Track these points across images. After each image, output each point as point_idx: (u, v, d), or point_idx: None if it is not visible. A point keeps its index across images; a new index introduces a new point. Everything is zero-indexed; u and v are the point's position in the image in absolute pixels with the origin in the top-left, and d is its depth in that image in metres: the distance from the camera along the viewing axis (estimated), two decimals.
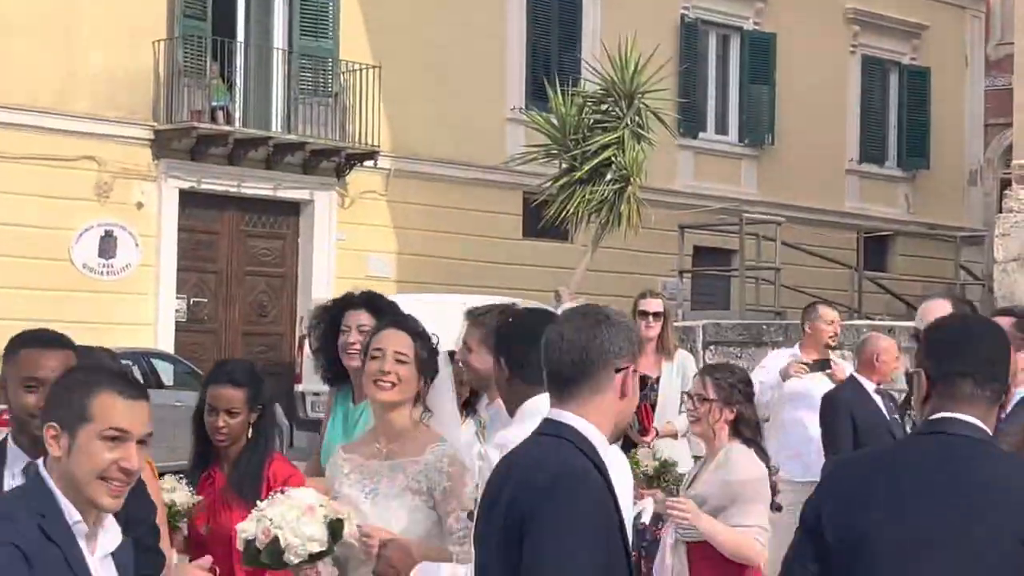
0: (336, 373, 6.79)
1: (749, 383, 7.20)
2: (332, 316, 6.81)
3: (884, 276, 28.71)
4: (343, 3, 26.17)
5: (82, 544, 3.68)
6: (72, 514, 3.65)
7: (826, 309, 11.41)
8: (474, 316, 6.54)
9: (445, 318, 8.87)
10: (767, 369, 11.05)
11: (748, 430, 7.12)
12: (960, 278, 27.52)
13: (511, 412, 5.09)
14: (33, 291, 22.36)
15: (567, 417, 3.94)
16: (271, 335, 25.88)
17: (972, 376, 3.82)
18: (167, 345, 23.70)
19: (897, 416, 9.50)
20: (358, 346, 6.44)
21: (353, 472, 5.48)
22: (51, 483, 3.67)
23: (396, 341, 5.45)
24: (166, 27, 24.29)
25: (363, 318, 6.58)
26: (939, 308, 7.00)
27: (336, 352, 6.68)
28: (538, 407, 4.83)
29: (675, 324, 17.48)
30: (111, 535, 3.78)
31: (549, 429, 3.95)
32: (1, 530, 3.57)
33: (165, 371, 21.42)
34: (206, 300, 25.28)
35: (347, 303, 6.82)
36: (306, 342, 21.22)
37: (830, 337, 11.08)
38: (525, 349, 5.04)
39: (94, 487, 3.68)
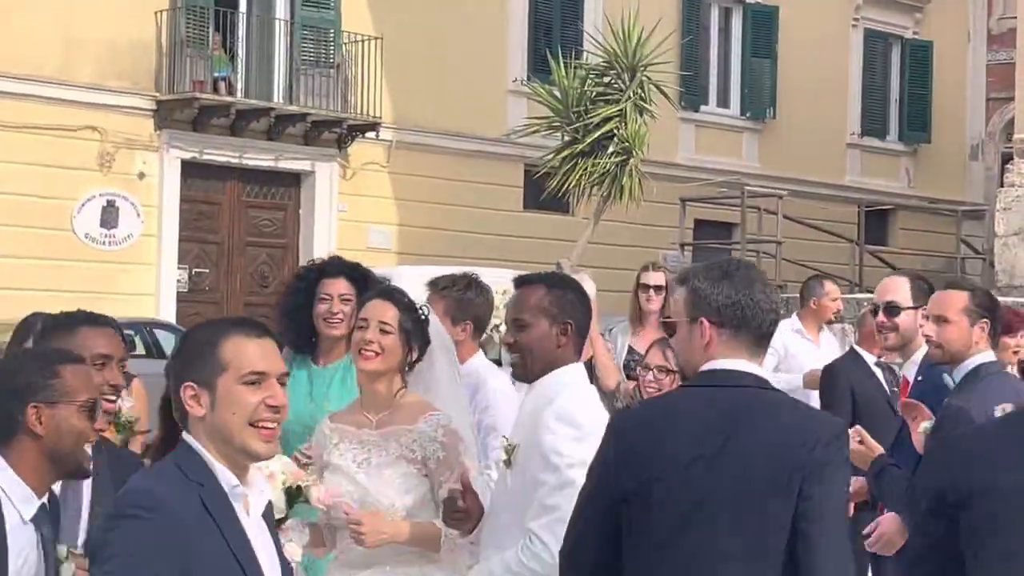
0: (306, 340, 6.75)
1: None
2: (308, 284, 6.78)
3: (885, 250, 28.80)
4: None
5: (238, 508, 3.67)
6: (229, 479, 3.64)
7: (832, 285, 11.42)
8: (437, 288, 6.79)
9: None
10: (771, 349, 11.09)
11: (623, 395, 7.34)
12: (961, 252, 27.61)
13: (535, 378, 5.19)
14: (35, 260, 22.50)
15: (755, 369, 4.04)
16: (273, 305, 25.78)
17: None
18: (169, 315, 23.75)
19: (897, 389, 9.54)
20: (341, 316, 6.56)
21: (342, 442, 5.51)
22: (200, 448, 3.65)
23: (381, 311, 5.48)
24: None
25: (342, 287, 6.61)
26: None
27: (309, 319, 6.66)
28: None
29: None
30: (263, 495, 3.79)
31: (753, 382, 4.02)
32: (164, 507, 3.54)
33: (167, 341, 21.49)
34: (208, 270, 25.37)
35: (324, 271, 6.80)
36: None
37: (834, 313, 11.13)
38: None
39: (246, 435, 3.65)
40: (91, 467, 4.28)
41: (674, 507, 3.86)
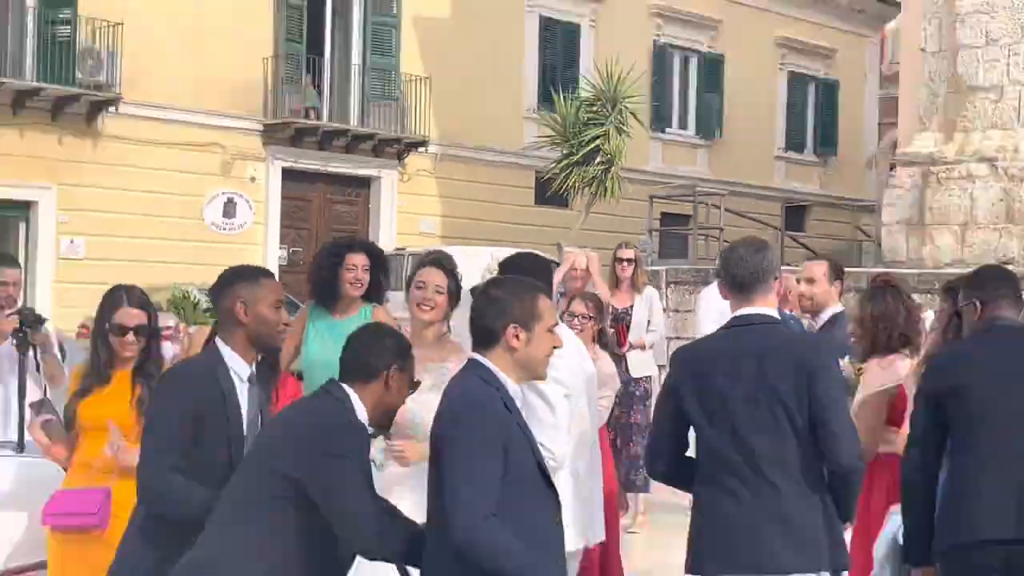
0: (329, 297, 6.37)
1: (603, 307, 7.59)
2: (335, 253, 6.45)
3: (801, 235, 28.64)
4: (403, 30, 26.10)
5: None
6: (514, 388, 3.85)
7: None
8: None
9: (476, 263, 9.01)
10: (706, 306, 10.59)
11: (606, 340, 7.57)
12: (858, 237, 27.51)
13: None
14: (175, 241, 22.56)
15: (759, 310, 4.21)
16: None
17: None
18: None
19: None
20: (361, 283, 6.33)
21: None
22: (492, 365, 3.84)
23: (436, 277, 5.43)
24: (272, 47, 24.33)
25: (361, 260, 6.37)
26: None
27: (335, 280, 6.33)
28: None
29: (646, 269, 17.71)
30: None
31: (756, 319, 4.20)
32: (492, 407, 3.73)
33: None
34: (301, 249, 25.24)
35: (351, 247, 6.48)
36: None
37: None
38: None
39: (542, 365, 3.90)
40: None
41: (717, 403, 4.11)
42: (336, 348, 5.71)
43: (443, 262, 5.59)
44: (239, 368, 4.22)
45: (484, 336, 3.92)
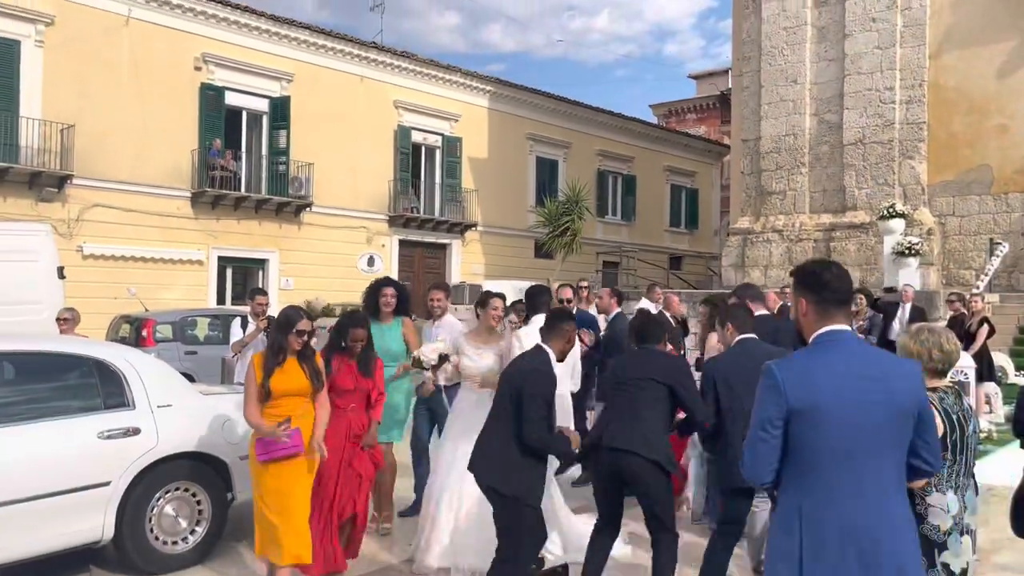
0: (375, 311, 5.67)
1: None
2: (375, 288, 5.74)
3: (679, 273, 28.49)
4: (463, 164, 25.28)
5: None
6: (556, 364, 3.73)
7: (656, 291, 9.32)
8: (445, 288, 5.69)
9: (507, 290, 8.79)
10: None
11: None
12: (708, 273, 27.16)
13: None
14: (343, 279, 22.01)
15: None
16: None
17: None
18: None
19: None
20: (390, 307, 5.60)
21: (468, 346, 4.97)
22: (550, 351, 3.66)
23: (499, 303, 5.05)
24: (392, 174, 23.68)
25: (390, 291, 5.68)
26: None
27: (376, 303, 5.64)
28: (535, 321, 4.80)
29: (595, 291, 17.70)
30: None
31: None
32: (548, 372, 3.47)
33: None
34: (409, 282, 24.73)
35: (382, 284, 5.73)
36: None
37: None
38: (535, 300, 5.01)
39: (564, 354, 3.72)
40: None
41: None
42: (382, 341, 5.46)
43: (497, 296, 5.19)
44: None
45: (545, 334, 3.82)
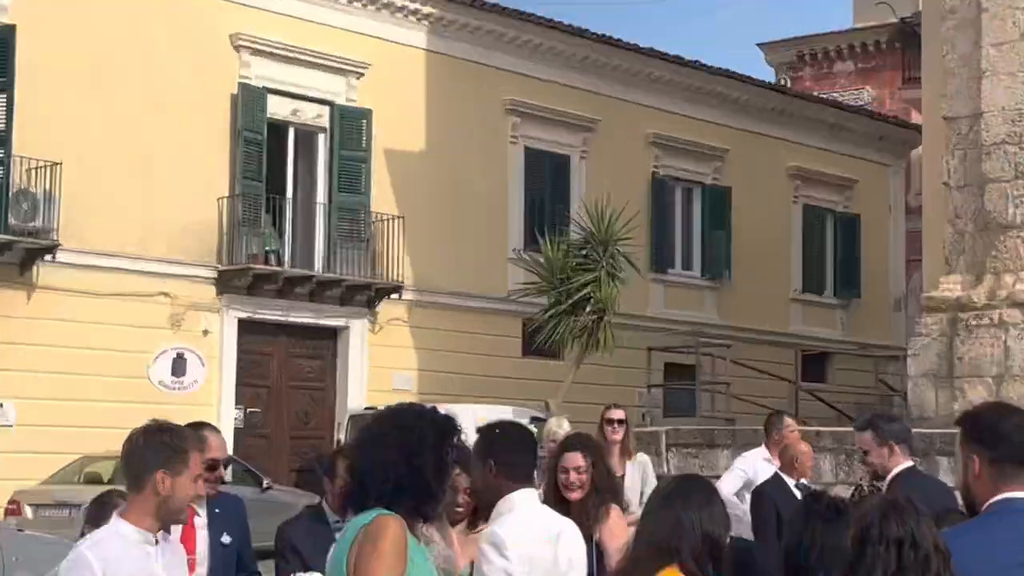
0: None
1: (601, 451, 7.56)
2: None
3: (819, 388, 28.76)
4: (374, 164, 26.46)
5: None
6: None
7: (789, 419, 11.13)
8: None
9: (466, 427, 8.89)
10: (742, 471, 10.86)
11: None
12: (880, 390, 27.56)
13: (488, 504, 5.27)
14: (117, 403, 22.22)
15: None
16: (314, 439, 25.75)
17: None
18: (228, 448, 23.36)
19: None
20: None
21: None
22: None
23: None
24: (228, 186, 24.62)
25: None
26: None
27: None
28: (516, 501, 5.24)
29: (645, 430, 17.79)
30: None
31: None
32: None
33: (227, 471, 21.23)
34: (259, 410, 25.33)
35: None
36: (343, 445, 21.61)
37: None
38: (511, 452, 5.35)
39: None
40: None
41: None
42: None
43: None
44: None
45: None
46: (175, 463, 4.54)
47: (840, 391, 29.41)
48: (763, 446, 11.01)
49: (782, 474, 9.85)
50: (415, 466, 4.14)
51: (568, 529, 5.69)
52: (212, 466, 5.91)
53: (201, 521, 6.08)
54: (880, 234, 35.31)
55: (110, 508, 5.27)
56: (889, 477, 6.97)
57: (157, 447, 4.58)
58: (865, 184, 35.06)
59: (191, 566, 5.44)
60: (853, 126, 35.06)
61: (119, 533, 4.53)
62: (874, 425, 7.26)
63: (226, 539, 6.02)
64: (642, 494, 9.97)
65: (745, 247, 31.97)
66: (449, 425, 4.45)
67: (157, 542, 4.56)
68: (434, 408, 4.48)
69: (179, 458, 4.56)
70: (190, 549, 5.67)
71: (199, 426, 6.31)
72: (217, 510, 6.16)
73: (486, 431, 5.53)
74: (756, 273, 32.03)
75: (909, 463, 7.10)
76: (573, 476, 6.63)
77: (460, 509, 6.42)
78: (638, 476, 10.35)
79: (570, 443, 6.93)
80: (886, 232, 35.56)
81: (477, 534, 5.84)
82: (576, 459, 6.70)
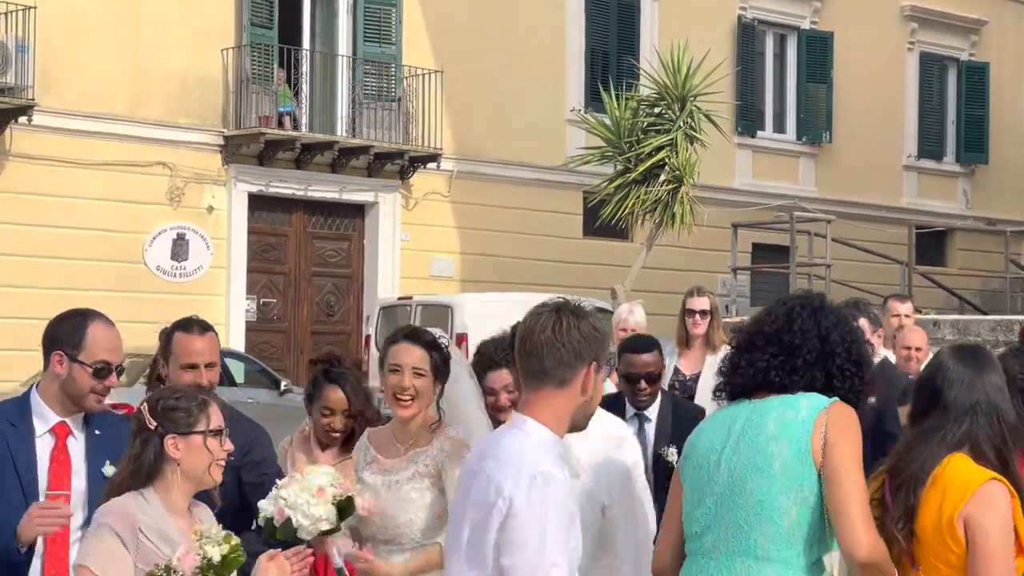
0: None
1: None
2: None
3: (936, 271, 28.58)
4: (405, 10, 26.34)
5: None
6: None
7: (894, 302, 11.18)
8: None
9: (507, 316, 9.08)
10: None
11: None
12: (1012, 272, 27.32)
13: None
14: (109, 292, 22.27)
15: None
16: (339, 334, 26.06)
17: None
18: (238, 344, 23.86)
19: None
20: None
21: (374, 463, 5.73)
22: None
23: (412, 355, 5.65)
24: (234, 35, 24.58)
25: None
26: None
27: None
28: None
29: (730, 320, 17.81)
30: None
31: None
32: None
33: (237, 370, 21.46)
34: (275, 300, 25.62)
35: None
36: (372, 341, 21.76)
37: (896, 329, 10.68)
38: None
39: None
40: None
41: None
42: None
43: (418, 334, 5.84)
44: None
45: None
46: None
47: (962, 274, 29.26)
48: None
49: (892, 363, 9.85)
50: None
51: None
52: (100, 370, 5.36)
53: (78, 445, 5.47)
54: (1013, 88, 34.83)
55: None
56: None
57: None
58: (995, 27, 34.59)
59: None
60: None
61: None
62: None
63: (109, 470, 5.37)
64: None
65: (849, 104, 31.69)
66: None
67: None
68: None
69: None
70: (62, 483, 5.26)
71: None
72: (97, 431, 5.49)
73: (514, 329, 5.62)
74: (862, 136, 31.77)
75: None
76: (504, 397, 6.34)
77: (336, 433, 6.65)
78: (712, 372, 10.40)
79: (491, 357, 6.52)
80: (1020, 85, 35.03)
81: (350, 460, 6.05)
82: (504, 377, 6.36)
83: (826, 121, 31.81)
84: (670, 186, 21.18)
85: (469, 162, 27.06)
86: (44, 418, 5.21)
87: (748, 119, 30.40)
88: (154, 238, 23.97)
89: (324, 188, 25.79)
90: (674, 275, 24.69)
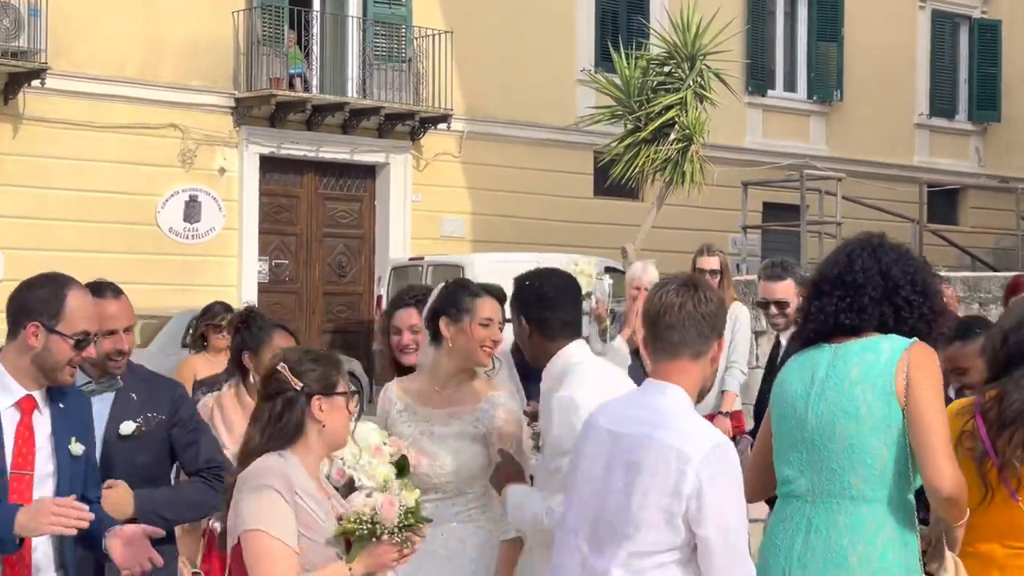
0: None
1: None
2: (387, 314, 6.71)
3: (948, 229, 28.57)
4: None
5: None
6: None
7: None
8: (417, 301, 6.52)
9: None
10: None
11: None
12: (1021, 229, 27.28)
13: (538, 366, 5.52)
14: (121, 255, 22.63)
15: None
16: (350, 295, 26.27)
17: None
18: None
19: None
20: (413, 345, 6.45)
21: (406, 411, 5.79)
22: None
23: (496, 309, 5.82)
24: None
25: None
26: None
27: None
28: (568, 358, 5.47)
29: (740, 278, 17.88)
30: None
31: None
32: None
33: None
34: (287, 262, 25.72)
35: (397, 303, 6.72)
36: (383, 301, 21.86)
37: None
38: (542, 308, 5.56)
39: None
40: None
41: None
42: None
43: (487, 295, 5.94)
44: None
45: None
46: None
47: (974, 232, 29.27)
48: None
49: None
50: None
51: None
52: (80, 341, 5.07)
53: (43, 420, 5.12)
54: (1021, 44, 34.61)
55: None
56: None
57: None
58: None
59: (26, 486, 4.89)
60: None
61: None
62: None
63: (77, 448, 5.06)
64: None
65: (860, 62, 31.62)
66: None
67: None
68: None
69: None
70: (26, 462, 4.93)
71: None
72: (61, 406, 5.14)
73: (518, 281, 5.70)
74: (873, 94, 31.68)
75: None
76: (407, 337, 6.37)
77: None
78: (728, 332, 10.35)
79: (402, 296, 6.64)
80: None
81: None
82: (411, 316, 6.37)
83: (837, 79, 31.74)
84: (680, 145, 21.23)
85: (479, 122, 27.10)
86: (9, 391, 4.85)
87: (758, 78, 30.41)
88: (166, 200, 24.04)
89: (335, 149, 25.84)
90: (684, 234, 24.65)
